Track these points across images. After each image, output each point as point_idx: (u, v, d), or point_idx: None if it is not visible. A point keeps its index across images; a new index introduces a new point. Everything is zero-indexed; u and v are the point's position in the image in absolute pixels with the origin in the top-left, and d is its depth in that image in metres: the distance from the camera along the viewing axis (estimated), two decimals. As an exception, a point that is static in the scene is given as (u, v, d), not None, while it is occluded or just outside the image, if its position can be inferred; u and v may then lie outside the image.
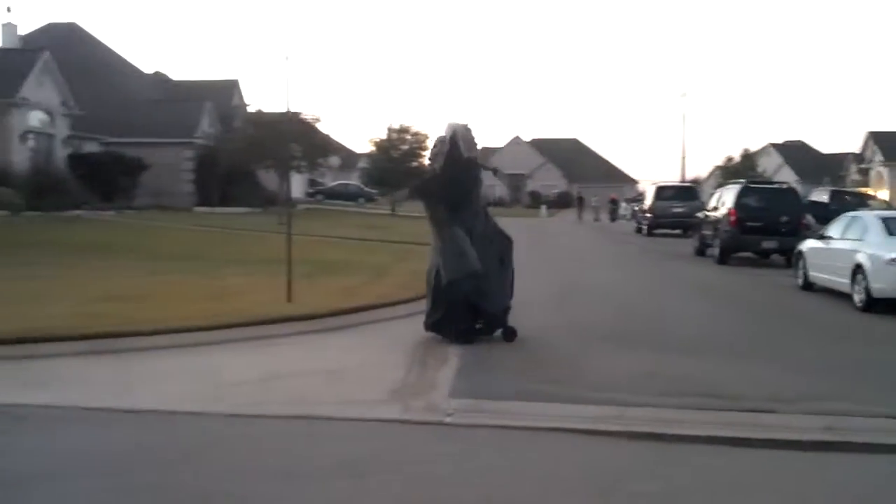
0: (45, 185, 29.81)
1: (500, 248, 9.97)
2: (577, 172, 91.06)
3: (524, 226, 38.28)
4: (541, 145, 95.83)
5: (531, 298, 14.00)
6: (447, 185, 9.79)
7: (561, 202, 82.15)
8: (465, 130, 9.94)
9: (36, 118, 32.71)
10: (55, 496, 4.65)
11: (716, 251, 22.19)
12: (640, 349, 9.62)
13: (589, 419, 6.62)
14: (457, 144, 9.75)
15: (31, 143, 32.17)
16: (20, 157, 31.07)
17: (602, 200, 61.32)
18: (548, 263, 20.85)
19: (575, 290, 15.77)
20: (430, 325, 9.82)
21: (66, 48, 40.52)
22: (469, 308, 9.56)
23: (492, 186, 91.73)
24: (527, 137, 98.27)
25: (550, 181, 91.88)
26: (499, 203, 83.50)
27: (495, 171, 11.32)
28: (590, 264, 21.38)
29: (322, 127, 41.14)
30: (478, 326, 9.69)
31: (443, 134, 10.04)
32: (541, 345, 9.69)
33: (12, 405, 6.76)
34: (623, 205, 61.10)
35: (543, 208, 67.05)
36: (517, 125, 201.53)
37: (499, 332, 9.70)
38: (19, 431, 6.20)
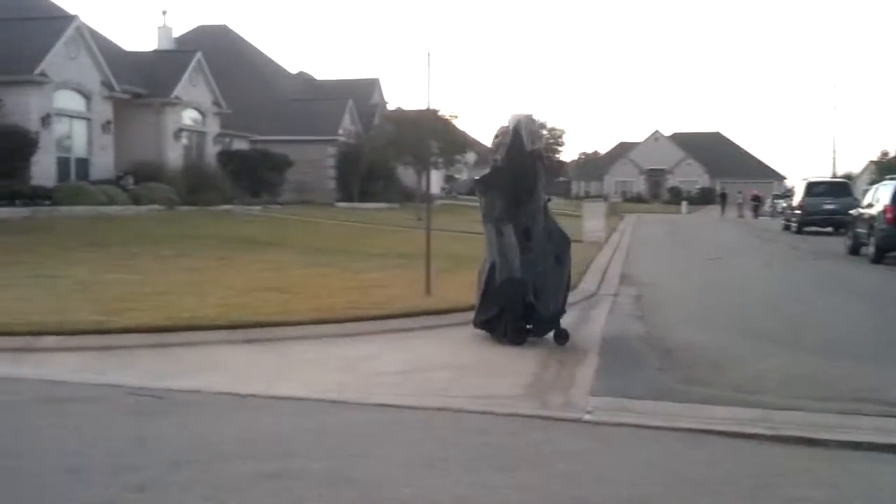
0: (198, 181, 31.31)
1: (558, 247, 9.54)
2: (720, 168, 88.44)
3: (664, 222, 37.55)
4: (682, 140, 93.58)
5: (672, 295, 13.74)
6: (511, 178, 9.39)
7: (703, 198, 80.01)
8: (529, 121, 9.53)
9: (189, 117, 34.37)
10: (208, 479, 4.89)
11: (870, 250, 21.13)
12: (787, 350, 9.28)
13: (733, 421, 6.43)
14: (520, 136, 9.32)
15: (184, 140, 33.82)
16: (174, 154, 32.74)
17: (746, 197, 59.60)
18: (690, 260, 20.38)
19: (718, 287, 15.35)
20: (481, 323, 9.55)
21: (217, 49, 42.45)
22: (523, 307, 9.20)
23: (630, 182, 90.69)
24: (667, 132, 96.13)
25: (692, 177, 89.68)
26: (638, 199, 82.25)
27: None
28: (734, 262, 20.73)
29: (459, 123, 41.49)
30: (528, 327, 9.28)
31: (505, 124, 9.59)
32: (682, 344, 9.48)
33: (169, 390, 7.16)
34: (767, 201, 59.40)
35: (684, 205, 65.54)
36: (657, 119, 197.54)
37: (550, 334, 9.26)
38: (176, 416, 6.56)
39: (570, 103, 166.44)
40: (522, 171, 9.37)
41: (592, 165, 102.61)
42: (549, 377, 7.84)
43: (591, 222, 26.51)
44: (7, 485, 4.71)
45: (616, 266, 18.53)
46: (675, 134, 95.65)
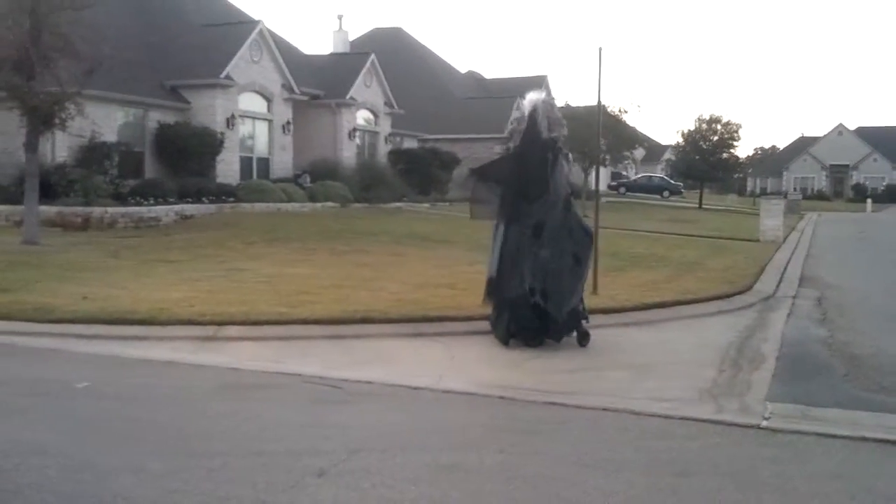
0: (370, 179, 32.22)
1: (578, 244, 8.80)
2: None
3: (847, 220, 35.53)
4: (867, 133, 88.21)
5: (857, 298, 13.00)
6: (517, 168, 8.74)
7: (890, 196, 75.22)
8: (548, 107, 8.83)
9: (362, 117, 35.44)
10: (385, 468, 5.04)
11: None
12: None
13: (922, 432, 6.04)
14: (535, 123, 8.63)
15: (357, 140, 34.90)
16: (348, 154, 33.85)
17: None
18: (875, 261, 19.21)
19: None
20: (491, 323, 9.04)
21: (390, 51, 43.55)
22: (531, 308, 8.58)
23: (811, 178, 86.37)
24: (851, 125, 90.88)
25: (878, 173, 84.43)
26: (819, 196, 78.22)
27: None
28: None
29: (628, 119, 40.71)
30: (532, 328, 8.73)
31: (522, 110, 8.88)
32: (869, 349, 8.96)
33: (345, 380, 7.42)
34: None
35: (869, 203, 61.86)
36: (841, 112, 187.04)
37: (573, 335, 8.76)
38: (352, 405, 6.79)
39: (748, 96, 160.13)
40: (534, 162, 8.68)
41: (770, 161, 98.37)
42: (724, 381, 7.60)
43: (768, 220, 25.46)
44: (194, 467, 5.01)
45: (796, 266, 17.72)
46: (860, 128, 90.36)
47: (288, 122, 30.97)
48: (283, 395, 7.14)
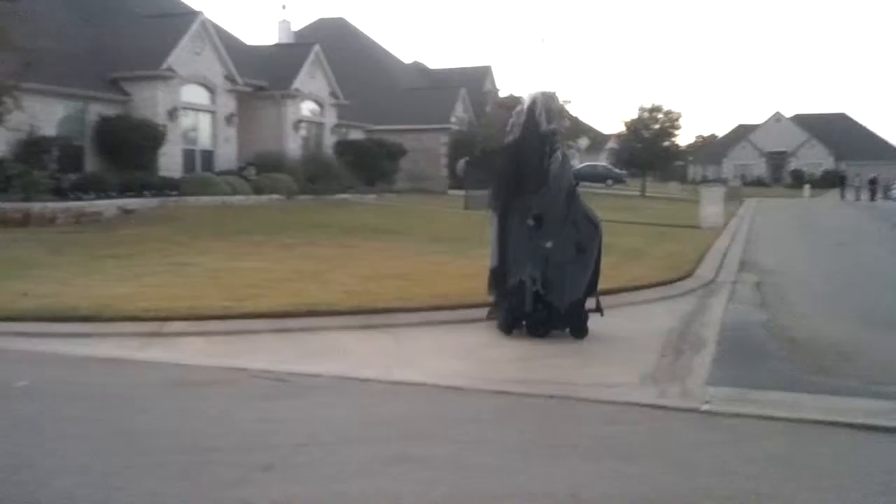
0: (316, 170, 31.98)
1: (581, 234, 8.84)
2: (845, 150, 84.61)
3: (785, 206, 36.31)
4: (805, 121, 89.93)
5: (795, 283, 13.32)
6: (516, 160, 8.81)
7: (827, 182, 76.95)
8: (548, 99, 8.94)
9: (307, 108, 35.13)
10: (333, 461, 5.05)
11: None
12: (920, 341, 8.89)
13: (861, 413, 6.22)
14: (534, 115, 8.72)
15: (302, 131, 34.58)
16: (293, 145, 33.53)
17: (864, 180, 57.74)
18: (812, 246, 19.68)
19: (844, 274, 14.79)
20: (489, 312, 9.18)
21: (335, 42, 43.20)
22: (533, 298, 8.60)
23: (750, 165, 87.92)
24: (789, 113, 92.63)
25: (815, 160, 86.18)
26: (758, 183, 79.68)
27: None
28: (859, 248, 19.90)
29: (571, 109, 41.05)
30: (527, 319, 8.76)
31: (522, 103, 9.01)
32: (807, 333, 9.20)
33: (292, 374, 7.40)
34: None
35: (806, 188, 63.31)
36: (779, 100, 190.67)
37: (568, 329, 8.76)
38: (300, 399, 6.78)
39: (687, 85, 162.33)
40: (533, 153, 8.75)
41: (710, 149, 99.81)
42: (666, 366, 7.75)
43: (708, 207, 25.92)
44: (138, 465, 4.96)
45: (735, 252, 18.08)
46: (797, 115, 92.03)
47: (232, 114, 30.61)
48: (229, 390, 7.08)
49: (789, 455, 5.39)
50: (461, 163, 13.47)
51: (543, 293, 8.65)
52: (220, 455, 5.14)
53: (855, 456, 5.36)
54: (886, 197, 55.62)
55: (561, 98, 40.36)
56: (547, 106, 8.90)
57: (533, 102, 8.85)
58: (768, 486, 4.73)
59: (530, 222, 8.72)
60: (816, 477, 4.91)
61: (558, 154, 8.95)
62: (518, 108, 9.10)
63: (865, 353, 8.24)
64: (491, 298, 9.28)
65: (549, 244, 8.67)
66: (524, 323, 8.82)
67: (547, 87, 9.15)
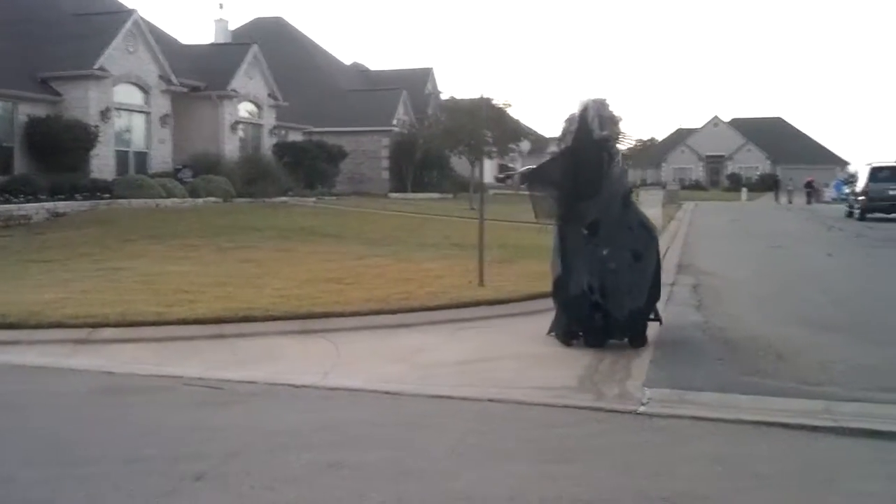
0: (254, 173, 31.60)
1: (637, 241, 8.69)
2: (781, 154, 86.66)
3: (723, 209, 36.95)
4: (742, 125, 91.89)
5: (732, 285, 13.51)
6: (570, 169, 8.71)
7: (763, 185, 78.75)
8: (600, 106, 8.84)
9: (245, 109, 34.72)
10: (266, 470, 4.93)
11: (938, 236, 20.60)
12: (852, 341, 9.04)
13: (796, 413, 6.28)
14: (586, 122, 8.64)
15: (240, 133, 34.17)
16: (231, 147, 33.09)
17: (798, 183, 59.42)
18: (749, 249, 20.02)
19: (780, 276, 15.05)
20: (552, 328, 8.91)
21: (273, 42, 42.82)
22: (591, 307, 8.44)
23: (689, 169, 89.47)
24: (726, 118, 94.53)
25: (752, 163, 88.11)
26: (697, 186, 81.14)
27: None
28: (795, 250, 20.30)
29: (513, 112, 41.26)
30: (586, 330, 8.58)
31: (573, 111, 8.92)
32: (743, 334, 9.30)
33: (226, 381, 7.26)
34: (825, 188, 59.75)
35: (744, 192, 64.70)
36: (716, 105, 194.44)
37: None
38: (233, 407, 6.63)
39: (626, 89, 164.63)
40: (587, 160, 8.68)
41: (650, 153, 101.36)
42: (604, 368, 7.76)
43: (647, 210, 25.95)
44: (67, 475, 4.81)
45: (673, 255, 18.26)
46: (734, 119, 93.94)
47: (167, 115, 30.09)
48: (161, 398, 6.92)
49: (725, 455, 5.41)
50: (517, 174, 13.51)
51: (602, 302, 8.49)
52: (151, 464, 5.01)
53: (790, 456, 5.40)
54: (820, 200, 57.15)
55: (504, 101, 40.41)
56: (599, 112, 8.79)
57: (585, 109, 8.73)
58: (704, 486, 4.73)
59: (584, 230, 8.61)
60: (752, 477, 4.93)
61: (618, 160, 8.90)
62: (570, 115, 9.02)
63: (800, 353, 8.35)
64: (555, 309, 8.99)
65: (605, 251, 8.53)
66: (580, 333, 8.62)
67: (596, 94, 8.97)
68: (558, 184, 8.84)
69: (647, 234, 8.87)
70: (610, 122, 8.99)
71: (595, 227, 8.58)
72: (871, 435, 5.85)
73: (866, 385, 7.09)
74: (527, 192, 9.66)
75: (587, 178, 8.65)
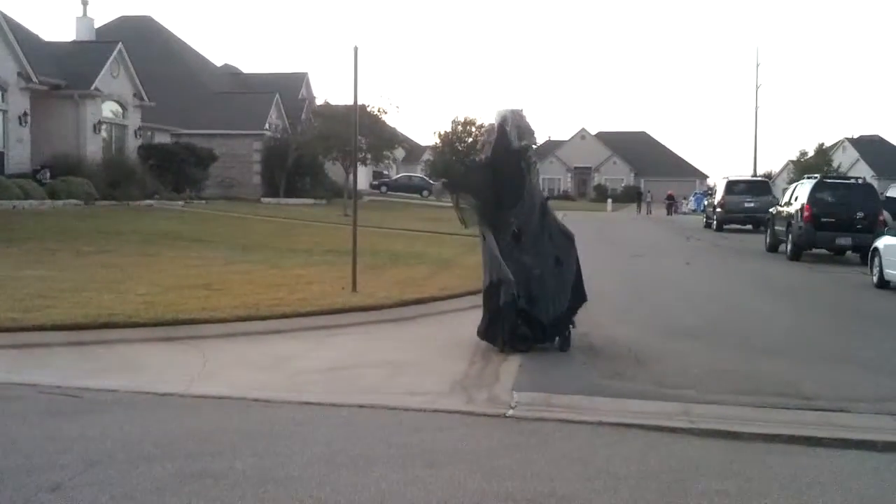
0: (118, 175, 30.49)
1: (558, 247, 8.97)
2: (645, 166, 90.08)
3: (589, 219, 38.00)
4: (608, 138, 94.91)
5: (595, 293, 13.91)
6: (491, 178, 8.88)
7: (627, 196, 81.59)
8: (518, 116, 9.03)
9: (109, 109, 33.45)
10: (125, 480, 4.77)
11: (788, 247, 21.80)
12: (709, 346, 9.50)
13: (655, 415, 6.56)
14: (505, 133, 8.85)
15: (103, 133, 32.90)
16: (93, 148, 31.81)
17: (658, 196, 62.46)
18: (613, 258, 20.67)
19: (641, 284, 15.61)
20: (481, 332, 9.02)
21: (140, 41, 41.49)
22: (518, 314, 8.64)
23: (557, 180, 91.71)
24: (594, 130, 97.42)
25: (618, 175, 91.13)
26: (564, 197, 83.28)
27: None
28: (656, 259, 21.11)
29: (388, 119, 41.28)
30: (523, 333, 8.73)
31: (492, 122, 9.16)
32: (606, 340, 9.62)
33: (86, 389, 6.99)
34: (684, 200, 63.29)
35: (609, 202, 66.91)
36: (584, 118, 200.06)
37: (556, 341, 8.84)
38: (93, 416, 6.38)
39: (496, 101, 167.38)
40: (508, 171, 8.81)
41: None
42: (474, 373, 7.87)
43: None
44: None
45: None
46: (601, 132, 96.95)
47: (25, 114, 28.68)
48: (16, 407, 6.58)
49: (587, 456, 5.57)
50: (438, 184, 13.19)
51: (528, 308, 8.63)
52: (4, 475, 4.77)
53: (648, 456, 5.61)
54: (678, 211, 59.82)
55: (379, 107, 40.37)
56: (517, 123, 8.93)
57: (503, 120, 8.87)
58: (567, 487, 4.86)
59: (507, 238, 8.70)
60: (613, 477, 5.10)
61: (537, 169, 9.04)
62: (489, 126, 9.11)
63: (659, 358, 8.70)
64: (483, 319, 9.01)
65: (528, 258, 8.68)
66: (507, 339, 8.66)
67: (514, 105, 9.09)
68: (481, 193, 8.96)
69: (566, 241, 9.14)
70: (528, 132, 9.13)
71: (519, 235, 8.76)
72: (726, 436, 6.17)
73: (721, 388, 7.46)
74: (450, 204, 9.71)
75: (508, 187, 8.83)
